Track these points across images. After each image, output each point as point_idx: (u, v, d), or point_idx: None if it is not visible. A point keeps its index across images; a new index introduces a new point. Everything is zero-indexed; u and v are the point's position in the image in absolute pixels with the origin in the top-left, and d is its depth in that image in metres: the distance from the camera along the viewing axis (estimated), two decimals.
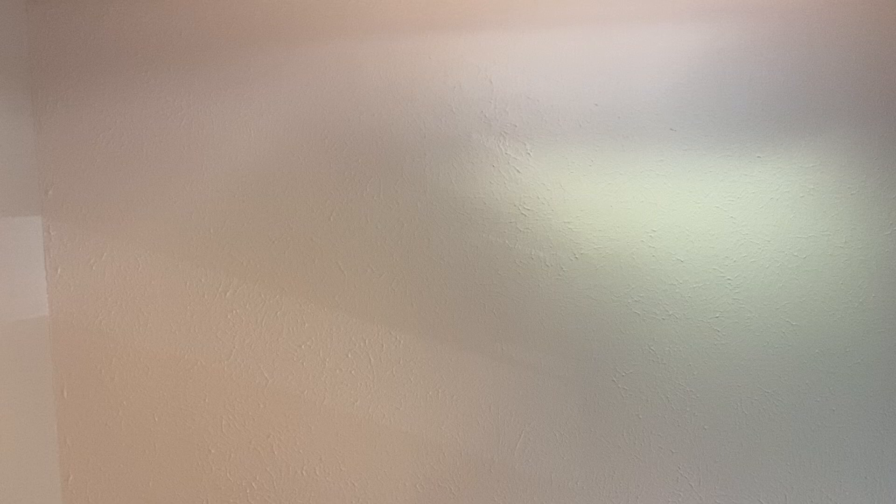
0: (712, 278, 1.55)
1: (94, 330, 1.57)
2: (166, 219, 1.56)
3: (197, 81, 1.53)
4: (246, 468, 1.59)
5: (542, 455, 1.58)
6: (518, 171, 1.54)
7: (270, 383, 1.58)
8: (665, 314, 1.56)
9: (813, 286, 1.55)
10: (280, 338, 1.58)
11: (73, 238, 1.56)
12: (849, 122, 1.51)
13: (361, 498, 1.57)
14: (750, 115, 1.51)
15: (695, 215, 1.53)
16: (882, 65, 1.50)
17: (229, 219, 1.56)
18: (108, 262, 1.56)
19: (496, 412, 1.58)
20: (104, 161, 1.55)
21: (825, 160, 1.52)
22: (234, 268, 1.56)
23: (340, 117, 1.53)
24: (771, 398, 1.57)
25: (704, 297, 1.55)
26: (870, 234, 1.53)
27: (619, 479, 1.59)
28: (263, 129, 1.54)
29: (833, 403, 1.57)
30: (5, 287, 1.45)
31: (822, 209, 1.53)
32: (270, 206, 1.55)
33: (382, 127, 1.53)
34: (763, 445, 1.58)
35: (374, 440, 1.57)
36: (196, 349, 1.58)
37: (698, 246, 1.54)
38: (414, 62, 1.52)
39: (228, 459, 1.59)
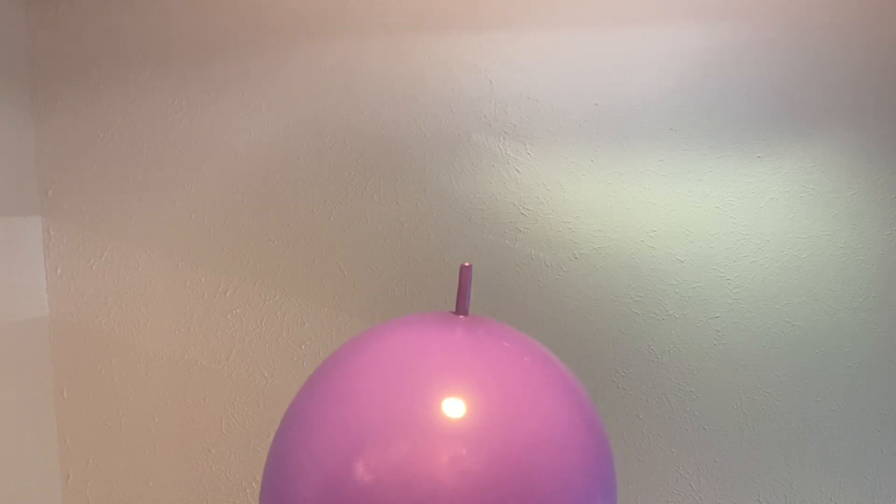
0: (712, 278, 1.55)
1: (94, 330, 1.57)
2: (166, 219, 1.56)
3: (197, 81, 1.53)
4: (246, 468, 1.59)
5: None
6: (518, 171, 1.54)
7: (270, 383, 1.58)
8: (665, 314, 1.56)
9: (813, 286, 1.55)
10: (280, 338, 1.58)
11: (73, 238, 1.56)
12: (849, 122, 1.51)
13: None
14: (749, 115, 1.51)
15: (695, 215, 1.53)
16: (882, 65, 1.50)
17: (229, 219, 1.56)
18: (108, 262, 1.57)
19: None
20: (104, 161, 1.55)
21: (825, 160, 1.52)
22: (234, 268, 1.56)
23: (340, 117, 1.53)
24: (771, 398, 1.57)
25: (704, 297, 1.55)
26: (870, 234, 1.53)
27: (619, 478, 1.59)
28: (263, 129, 1.54)
29: (833, 403, 1.57)
30: (5, 287, 1.45)
31: (822, 209, 1.53)
32: (270, 206, 1.55)
33: (382, 127, 1.53)
34: (763, 445, 1.58)
35: None
36: (196, 349, 1.58)
37: (698, 246, 1.54)
38: (414, 62, 1.52)
39: (228, 459, 1.59)
